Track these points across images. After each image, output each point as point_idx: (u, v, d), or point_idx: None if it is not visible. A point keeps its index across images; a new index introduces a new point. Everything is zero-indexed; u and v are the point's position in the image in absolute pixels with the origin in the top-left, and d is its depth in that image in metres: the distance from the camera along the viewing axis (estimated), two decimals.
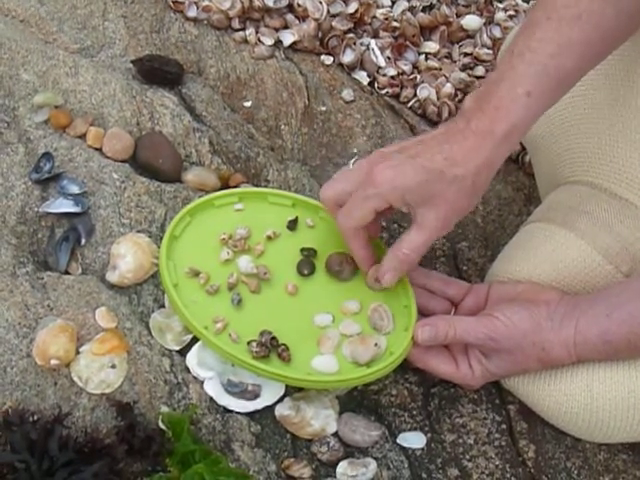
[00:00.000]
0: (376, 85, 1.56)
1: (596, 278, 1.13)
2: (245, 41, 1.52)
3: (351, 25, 1.58)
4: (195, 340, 1.11)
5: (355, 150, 1.43)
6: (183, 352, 1.11)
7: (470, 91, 1.57)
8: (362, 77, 1.56)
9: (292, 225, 1.21)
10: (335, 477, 1.07)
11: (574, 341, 1.07)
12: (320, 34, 1.55)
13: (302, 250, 1.18)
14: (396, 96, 1.56)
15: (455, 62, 1.62)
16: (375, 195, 1.07)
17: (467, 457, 1.14)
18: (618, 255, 1.13)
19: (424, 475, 1.11)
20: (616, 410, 1.08)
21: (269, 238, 1.19)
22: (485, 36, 1.62)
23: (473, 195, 1.08)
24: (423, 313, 1.15)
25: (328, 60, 1.55)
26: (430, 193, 1.05)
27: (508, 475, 1.13)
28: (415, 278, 1.18)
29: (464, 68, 1.60)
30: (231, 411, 1.08)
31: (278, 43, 1.53)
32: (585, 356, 1.09)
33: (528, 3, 1.68)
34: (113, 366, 1.05)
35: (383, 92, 1.55)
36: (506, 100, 1.04)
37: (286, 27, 1.55)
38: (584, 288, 1.13)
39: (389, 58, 1.57)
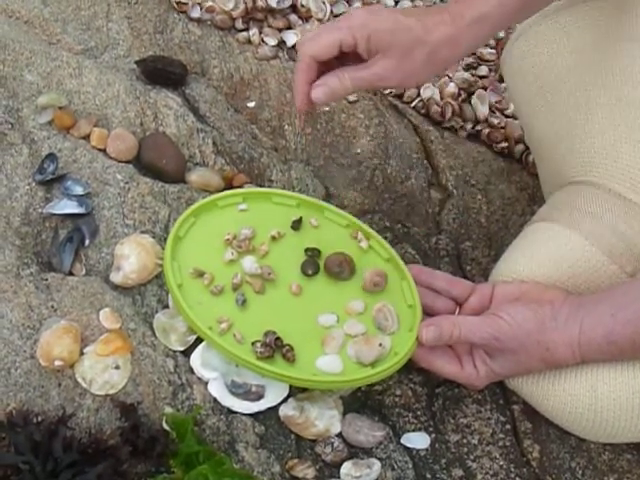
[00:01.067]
0: None
1: (600, 278, 1.13)
2: (248, 41, 1.52)
3: None
4: (199, 341, 1.11)
5: (359, 150, 1.43)
6: (187, 353, 1.11)
7: (473, 91, 1.57)
8: None
9: (296, 225, 1.21)
10: (339, 478, 1.07)
11: (578, 341, 1.07)
12: None
13: (306, 250, 1.18)
14: (399, 96, 1.56)
15: (458, 62, 1.61)
16: (346, 27, 1.11)
17: (471, 457, 1.13)
18: (622, 255, 1.13)
19: (428, 475, 1.11)
20: (620, 410, 1.08)
21: (273, 238, 1.19)
22: None
23: (426, 64, 1.13)
24: (427, 313, 1.15)
25: None
26: (392, 42, 1.11)
27: (512, 475, 1.13)
28: (419, 278, 1.18)
29: (467, 68, 1.60)
30: (235, 412, 1.08)
31: (281, 43, 1.54)
32: (590, 356, 1.08)
33: None
34: (117, 367, 1.05)
35: (386, 92, 1.55)
36: None
37: (289, 27, 1.56)
38: (588, 288, 1.13)
39: None
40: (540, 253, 1.15)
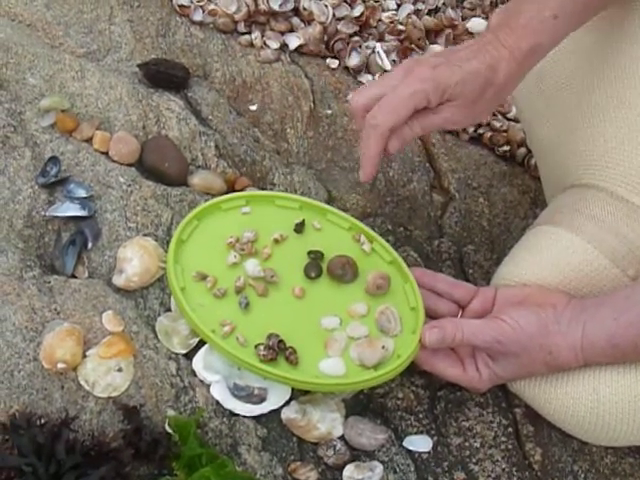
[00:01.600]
0: None
1: (603, 281, 1.13)
2: (251, 45, 1.52)
3: (357, 28, 1.58)
4: (201, 344, 1.11)
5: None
6: (189, 356, 1.11)
7: None
8: (368, 80, 1.56)
9: (299, 228, 1.21)
10: None
11: (581, 345, 1.07)
12: (326, 37, 1.56)
13: (309, 253, 1.18)
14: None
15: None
16: (421, 91, 1.09)
17: (473, 460, 1.14)
18: (624, 258, 1.13)
19: (430, 478, 1.11)
20: (622, 414, 1.08)
21: (276, 241, 1.19)
22: None
23: (494, 101, 1.14)
24: (430, 316, 1.15)
25: (334, 63, 1.55)
26: (463, 91, 1.10)
27: (515, 478, 1.13)
28: (422, 280, 1.18)
29: None
30: (237, 415, 1.08)
31: (284, 47, 1.54)
32: (592, 360, 1.08)
33: None
34: (120, 370, 1.05)
35: None
36: (534, 21, 1.10)
37: (292, 30, 1.56)
38: (591, 291, 1.13)
39: (395, 61, 1.57)
40: (542, 257, 1.15)
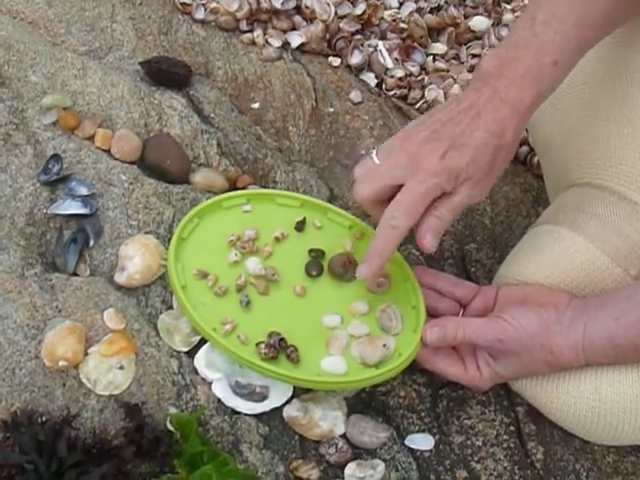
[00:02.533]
0: (384, 86, 1.56)
1: (605, 281, 1.13)
2: (253, 43, 1.52)
3: (359, 27, 1.58)
4: (203, 341, 1.11)
5: (363, 151, 1.43)
6: (191, 353, 1.11)
7: None
8: (370, 78, 1.55)
9: (300, 226, 1.21)
10: (343, 478, 1.07)
11: (582, 345, 1.07)
12: (328, 36, 1.55)
13: (310, 251, 1.18)
14: (404, 97, 1.56)
15: (463, 63, 1.62)
16: (435, 185, 1.07)
17: (475, 459, 1.14)
18: (627, 258, 1.13)
19: (432, 477, 1.11)
20: (624, 413, 1.08)
21: (277, 239, 1.19)
22: (493, 37, 1.62)
23: (506, 162, 1.11)
24: (431, 314, 1.15)
25: (336, 62, 1.54)
26: (476, 168, 1.07)
27: (517, 477, 1.13)
28: (423, 279, 1.18)
29: (472, 69, 1.60)
30: (239, 412, 1.08)
31: (286, 45, 1.53)
32: (593, 360, 1.08)
33: None
34: (121, 367, 1.05)
35: (391, 93, 1.55)
36: (534, 69, 1.06)
37: (294, 29, 1.55)
38: (593, 291, 1.13)
39: (397, 59, 1.57)
40: (545, 256, 1.15)
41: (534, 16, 1.07)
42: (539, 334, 1.08)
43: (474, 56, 1.62)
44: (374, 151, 1.11)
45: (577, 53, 1.09)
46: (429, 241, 1.08)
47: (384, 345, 1.10)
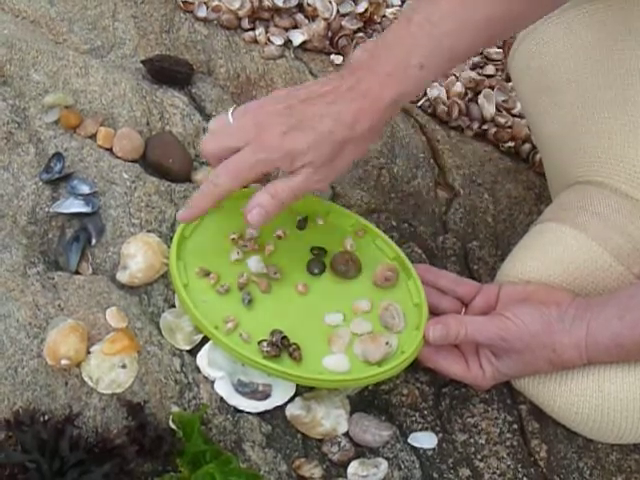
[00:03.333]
0: None
1: (607, 279, 1.13)
2: (255, 41, 1.52)
3: (361, 24, 1.58)
4: (205, 340, 1.11)
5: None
6: (193, 352, 1.11)
7: (480, 90, 1.57)
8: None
9: (302, 224, 1.21)
10: (346, 477, 1.07)
11: (585, 343, 1.07)
12: (330, 34, 1.55)
13: (312, 249, 1.18)
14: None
15: (465, 61, 1.61)
16: (266, 160, 1.08)
17: (479, 457, 1.13)
18: (629, 256, 1.13)
19: (435, 475, 1.11)
20: (627, 411, 1.08)
21: (279, 237, 1.19)
22: None
23: (355, 154, 1.10)
24: (433, 312, 1.15)
25: (338, 60, 1.55)
26: (318, 154, 1.07)
27: (520, 475, 1.12)
28: (426, 277, 1.18)
29: (474, 67, 1.60)
30: (242, 411, 1.08)
31: (288, 43, 1.54)
32: (596, 358, 1.08)
33: None
34: (124, 366, 1.05)
35: None
36: (399, 69, 1.06)
37: (296, 27, 1.55)
38: (595, 289, 1.13)
39: None
40: (547, 254, 1.15)
41: (411, 17, 1.07)
42: (542, 332, 1.08)
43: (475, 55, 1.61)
44: (232, 109, 1.12)
45: (447, 61, 1.09)
46: (253, 216, 1.08)
47: (387, 343, 1.10)
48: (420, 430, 1.14)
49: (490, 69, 1.59)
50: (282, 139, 1.07)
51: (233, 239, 1.17)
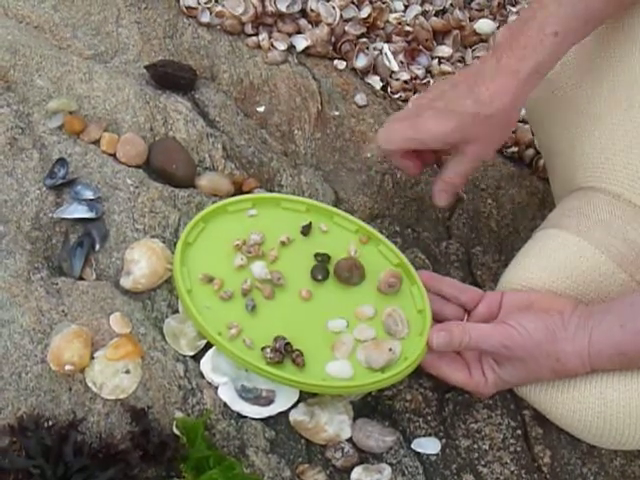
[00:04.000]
0: (389, 90, 1.56)
1: (610, 286, 1.13)
2: (258, 46, 1.52)
3: (364, 30, 1.58)
4: (209, 345, 1.11)
5: (369, 155, 1.43)
6: (197, 357, 1.11)
7: None
8: (375, 82, 1.55)
9: (306, 230, 1.21)
10: None
11: (588, 352, 1.07)
12: (333, 39, 1.55)
13: (316, 255, 1.18)
14: (409, 100, 1.56)
15: (468, 66, 1.61)
16: (417, 140, 1.23)
17: (482, 463, 1.13)
18: (633, 263, 1.13)
19: None
20: (630, 418, 1.07)
21: (283, 244, 1.19)
22: None
23: (505, 128, 1.23)
24: (437, 319, 1.15)
25: (341, 65, 1.54)
26: (465, 134, 1.20)
27: None
28: (429, 284, 1.18)
29: None
30: (245, 417, 1.08)
31: (291, 48, 1.54)
32: (599, 366, 1.08)
33: None
34: (127, 371, 1.05)
35: (396, 96, 1.55)
36: (534, 40, 1.13)
37: (299, 32, 1.55)
38: (598, 296, 1.13)
39: (402, 62, 1.57)
40: (550, 261, 1.15)
41: None
42: (545, 341, 1.08)
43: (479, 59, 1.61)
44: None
45: (582, 24, 1.13)
46: (441, 198, 1.26)
47: (390, 349, 1.10)
48: (424, 436, 1.14)
49: None
50: (431, 124, 1.20)
51: (237, 245, 1.17)
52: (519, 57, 1.13)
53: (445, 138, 1.21)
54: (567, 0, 1.11)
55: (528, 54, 1.13)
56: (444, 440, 1.14)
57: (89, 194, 1.20)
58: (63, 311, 1.09)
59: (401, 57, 1.57)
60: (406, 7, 1.64)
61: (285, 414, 1.10)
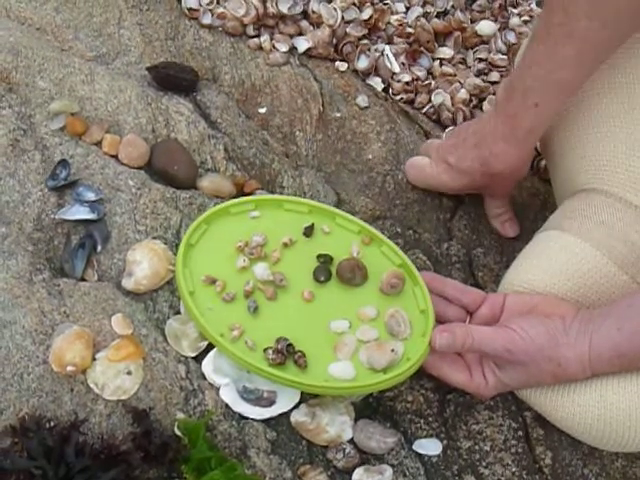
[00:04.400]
0: (390, 91, 1.56)
1: (612, 288, 1.13)
2: (260, 48, 1.52)
3: (365, 31, 1.58)
4: (211, 347, 1.11)
5: (370, 156, 1.43)
6: (199, 359, 1.11)
7: (485, 97, 1.57)
8: (377, 83, 1.56)
9: (308, 232, 1.21)
10: None
11: (589, 357, 1.07)
12: (334, 40, 1.55)
13: (318, 256, 1.18)
14: (411, 102, 1.56)
15: (470, 68, 1.62)
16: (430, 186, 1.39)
17: (483, 464, 1.13)
18: (634, 265, 1.13)
19: None
20: (630, 420, 1.07)
21: (285, 245, 1.19)
22: (500, 42, 1.62)
23: (517, 175, 1.32)
24: (438, 321, 1.15)
25: (343, 66, 1.55)
26: (479, 188, 1.35)
27: None
28: (431, 285, 1.17)
29: (479, 74, 1.60)
30: (247, 418, 1.08)
31: (293, 50, 1.54)
32: (600, 370, 1.08)
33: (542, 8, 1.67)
34: (129, 373, 1.05)
35: (398, 98, 1.55)
36: (521, 109, 1.21)
37: (300, 34, 1.55)
38: (599, 299, 1.13)
39: (403, 64, 1.57)
40: (551, 263, 1.15)
41: (524, 59, 1.19)
42: (547, 346, 1.08)
43: (481, 60, 1.61)
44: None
45: (558, 93, 1.19)
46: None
47: (392, 350, 1.10)
48: (425, 437, 1.14)
49: (495, 76, 1.59)
50: (445, 178, 1.34)
51: (239, 247, 1.17)
52: (511, 124, 1.22)
53: (460, 191, 1.36)
54: (540, 74, 1.16)
55: (518, 122, 1.21)
56: (445, 441, 1.14)
57: (91, 195, 1.20)
58: (65, 312, 1.09)
59: (402, 58, 1.57)
60: (407, 9, 1.65)
61: (286, 415, 1.10)
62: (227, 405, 1.08)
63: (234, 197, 1.27)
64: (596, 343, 1.06)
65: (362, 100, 1.50)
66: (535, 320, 1.10)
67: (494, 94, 1.59)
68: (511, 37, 1.63)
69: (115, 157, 1.27)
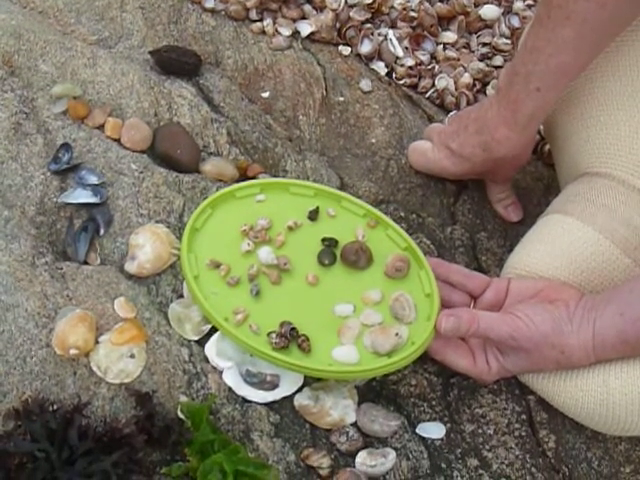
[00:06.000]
0: (394, 75, 1.55)
1: (614, 272, 1.13)
2: (263, 32, 1.51)
3: (369, 15, 1.57)
4: (214, 330, 1.11)
5: (373, 140, 1.43)
6: (202, 342, 1.11)
7: (488, 81, 1.57)
8: (380, 67, 1.55)
9: (313, 215, 1.21)
10: (354, 467, 1.07)
11: (593, 344, 1.07)
12: (338, 24, 1.55)
13: (323, 240, 1.18)
14: (414, 86, 1.56)
15: (473, 52, 1.61)
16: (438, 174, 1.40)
17: (487, 447, 1.13)
18: (637, 249, 1.13)
19: (443, 465, 1.11)
20: (632, 405, 1.07)
21: (290, 228, 1.19)
22: (503, 26, 1.62)
23: (519, 160, 1.32)
24: (443, 306, 1.14)
25: (346, 50, 1.54)
26: (480, 173, 1.34)
27: (528, 465, 1.12)
28: (436, 271, 1.17)
29: (482, 58, 1.60)
30: (250, 401, 1.08)
31: (296, 34, 1.53)
32: (605, 356, 1.08)
33: None
34: (132, 356, 1.05)
35: (401, 82, 1.55)
36: (522, 94, 1.20)
37: (304, 18, 1.55)
38: (602, 282, 1.13)
39: (407, 48, 1.56)
40: (554, 247, 1.15)
41: (526, 43, 1.18)
42: (551, 334, 1.08)
43: (484, 45, 1.61)
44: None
45: (560, 77, 1.18)
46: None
47: (396, 334, 1.10)
48: (428, 420, 1.14)
49: (498, 60, 1.58)
50: (447, 164, 1.33)
51: (244, 230, 1.17)
52: (513, 110, 1.22)
53: (462, 177, 1.36)
54: (541, 59, 1.16)
55: (519, 107, 1.21)
56: (449, 425, 1.14)
57: (93, 179, 1.20)
58: (68, 295, 1.09)
59: (406, 43, 1.57)
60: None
61: (290, 398, 1.10)
62: (230, 388, 1.08)
63: (237, 181, 1.27)
64: (599, 330, 1.06)
65: (365, 84, 1.50)
66: (539, 307, 1.09)
67: (497, 78, 1.58)
68: (515, 21, 1.62)
69: (117, 141, 1.27)
